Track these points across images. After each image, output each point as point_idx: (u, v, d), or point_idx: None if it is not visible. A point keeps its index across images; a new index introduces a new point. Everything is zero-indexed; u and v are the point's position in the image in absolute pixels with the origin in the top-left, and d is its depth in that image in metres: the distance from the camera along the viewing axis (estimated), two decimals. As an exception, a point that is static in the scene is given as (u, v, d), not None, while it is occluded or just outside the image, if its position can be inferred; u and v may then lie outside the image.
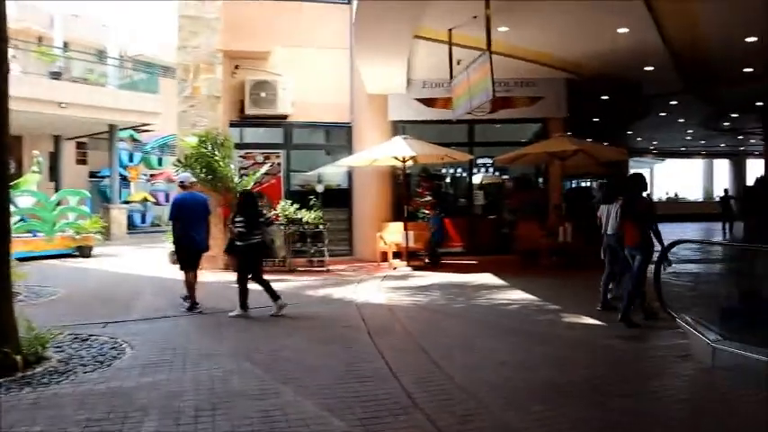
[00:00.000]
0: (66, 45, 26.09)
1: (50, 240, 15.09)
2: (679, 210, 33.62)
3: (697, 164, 42.17)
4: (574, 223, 13.35)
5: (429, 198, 14.26)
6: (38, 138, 23.22)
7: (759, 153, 35.86)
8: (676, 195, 39.89)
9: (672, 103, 19.63)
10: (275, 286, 9.84)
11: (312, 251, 12.30)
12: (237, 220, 7.85)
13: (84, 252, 15.26)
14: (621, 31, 11.29)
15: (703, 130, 27.17)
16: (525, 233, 13.68)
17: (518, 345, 6.44)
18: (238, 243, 7.90)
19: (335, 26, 14.30)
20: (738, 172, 38.28)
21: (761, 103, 19.97)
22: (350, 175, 14.46)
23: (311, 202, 12.57)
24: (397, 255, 12.97)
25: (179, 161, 12.44)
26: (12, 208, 14.42)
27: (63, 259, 14.96)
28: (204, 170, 12.11)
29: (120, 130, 24.08)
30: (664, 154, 37.31)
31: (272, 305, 7.85)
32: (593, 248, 8.86)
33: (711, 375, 5.39)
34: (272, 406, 4.39)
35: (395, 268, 12.49)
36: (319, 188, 14.04)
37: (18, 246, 11.92)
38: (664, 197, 38.86)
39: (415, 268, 12.39)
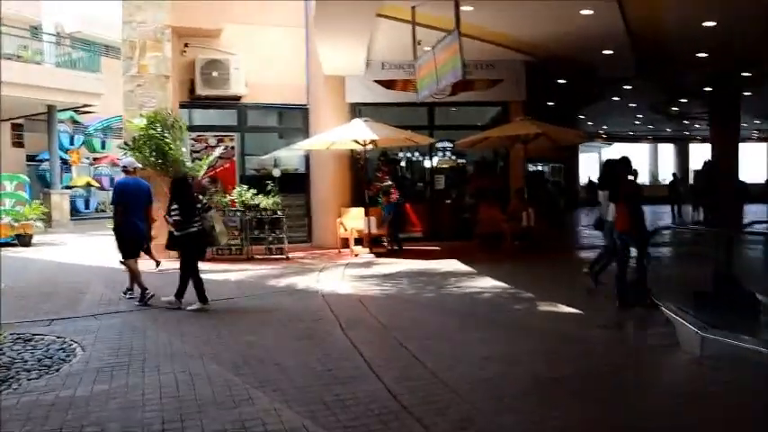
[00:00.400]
0: (-3, 21, 24.51)
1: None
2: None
3: (643, 148, 43.06)
4: (536, 208, 13.27)
5: (389, 182, 13.88)
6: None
7: (702, 138, 36.88)
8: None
9: (625, 87, 19.76)
10: (234, 276, 9.44)
11: (270, 238, 11.77)
12: (173, 208, 7.32)
13: (23, 241, 14.32)
14: (585, 12, 11.06)
15: (652, 114, 27.63)
16: (486, 217, 13.49)
17: (498, 337, 6.17)
18: (176, 233, 7.39)
19: (291, 3, 13.71)
20: (683, 156, 39.27)
21: (709, 89, 20.28)
22: (307, 158, 13.93)
23: (269, 188, 12.02)
24: (358, 241, 12.59)
25: (126, 144, 11.69)
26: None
27: (0, 248, 14.01)
28: (154, 153, 11.40)
29: (60, 111, 22.81)
30: (612, 138, 37.87)
31: (233, 297, 7.37)
32: (556, 232, 8.74)
33: (702, 366, 5.22)
34: (248, 415, 3.94)
35: (357, 255, 12.10)
36: (275, 173, 13.47)
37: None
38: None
39: (378, 255, 12.04)
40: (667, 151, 41.62)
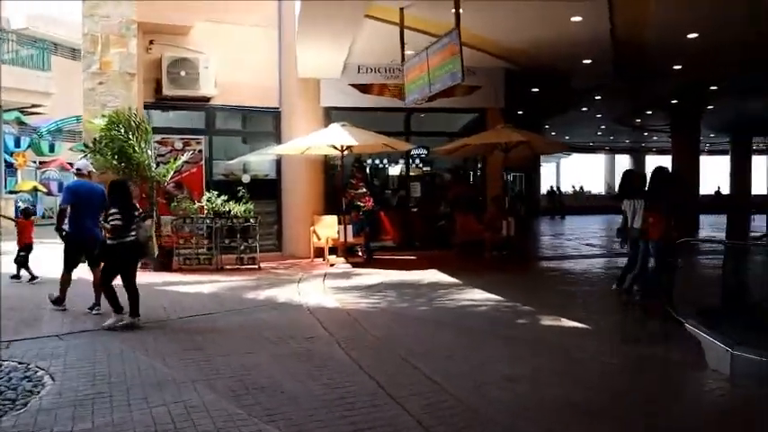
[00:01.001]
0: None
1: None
2: (585, 203, 34.67)
3: (599, 159, 43.71)
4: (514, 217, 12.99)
5: (363, 190, 13.37)
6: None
7: (658, 149, 37.65)
8: (582, 188, 40.99)
9: (596, 98, 19.79)
10: (207, 288, 8.81)
11: (242, 247, 11.08)
12: (112, 212, 6.61)
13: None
14: (575, 19, 10.80)
15: (615, 125, 27.89)
16: (464, 226, 13.12)
17: (511, 354, 5.70)
18: (110, 242, 6.68)
19: (264, 3, 13.11)
20: (638, 166, 39.91)
21: (675, 101, 20.49)
22: (278, 164, 13.27)
23: (240, 194, 11.34)
24: (332, 250, 12.01)
25: (86, 146, 10.86)
26: None
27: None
28: (117, 156, 10.61)
29: (6, 111, 21.53)
30: (572, 148, 38.25)
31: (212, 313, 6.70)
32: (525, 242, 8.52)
33: (736, 387, 4.86)
34: (266, 459, 3.37)
35: (332, 265, 11.53)
36: (245, 178, 12.78)
37: None
38: (570, 190, 39.85)
39: (355, 265, 11.49)
40: (623, 162, 42.31)
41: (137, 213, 6.89)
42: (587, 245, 16.19)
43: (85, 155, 10.82)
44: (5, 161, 21.67)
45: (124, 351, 5.63)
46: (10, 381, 4.77)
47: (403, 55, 10.27)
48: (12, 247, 10.17)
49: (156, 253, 10.59)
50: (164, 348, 5.78)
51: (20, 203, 19.45)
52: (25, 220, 10.57)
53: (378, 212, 13.34)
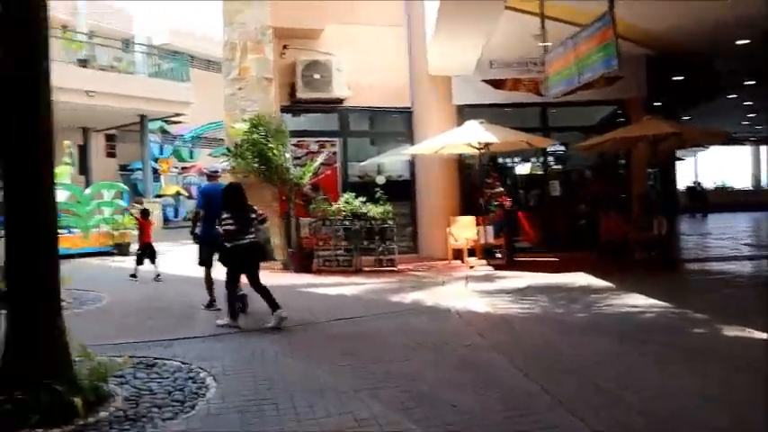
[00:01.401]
0: (91, 33, 24.98)
1: (86, 237, 13.97)
2: (727, 199, 32.00)
3: (742, 151, 40.24)
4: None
5: (500, 189, 12.86)
6: (66, 130, 22.11)
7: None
8: (724, 184, 37.88)
9: (747, 83, 18.03)
10: (349, 290, 8.69)
11: (380, 249, 10.94)
12: (224, 216, 6.66)
13: (122, 250, 14.11)
14: (734, -6, 9.76)
15: (769, 113, 25.44)
16: (607, 226, 12.26)
17: (698, 369, 5.05)
18: (228, 244, 6.69)
19: (391, 1, 12.97)
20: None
21: None
22: (412, 164, 13.07)
23: (377, 195, 11.22)
24: (469, 252, 11.63)
25: (228, 150, 11.19)
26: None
27: (101, 257, 13.84)
28: (257, 159, 10.83)
29: (151, 120, 22.97)
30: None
31: (360, 317, 6.53)
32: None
33: None
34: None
35: (471, 267, 11.13)
36: (379, 179, 12.67)
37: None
38: (711, 186, 36.96)
39: (496, 267, 11.03)
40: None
41: (254, 216, 6.86)
42: (746, 245, 14.73)
43: (227, 159, 11.17)
44: (151, 167, 23.11)
45: (279, 354, 5.56)
46: (176, 381, 4.79)
47: (544, 47, 9.73)
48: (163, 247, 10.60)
49: (285, 254, 10.79)
50: (317, 353, 5.64)
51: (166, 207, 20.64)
52: (144, 220, 11.03)
53: (516, 212, 12.77)
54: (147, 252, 10.56)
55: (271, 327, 6.50)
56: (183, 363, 5.25)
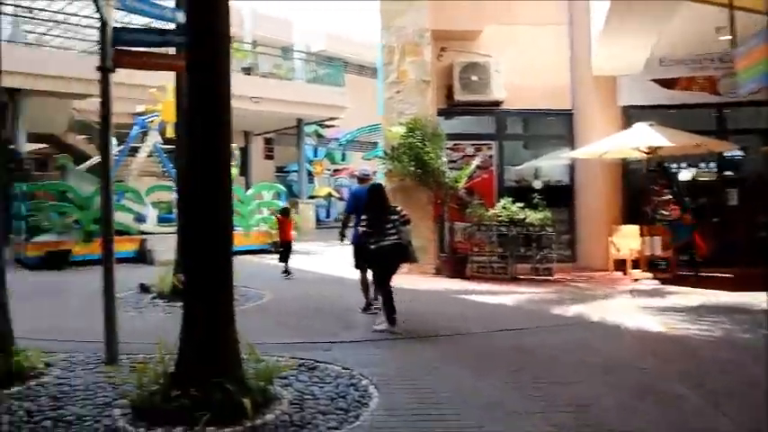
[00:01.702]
0: (254, 43, 26.45)
1: (248, 235, 14.67)
2: None
3: None
4: None
5: (669, 196, 11.81)
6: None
7: None
8: None
9: None
10: (506, 299, 8.34)
11: (537, 257, 10.44)
12: (363, 218, 6.79)
13: (277, 248, 14.61)
14: None
15: None
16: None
17: None
18: (371, 246, 6.69)
19: (552, 1, 12.39)
20: None
21: None
22: (571, 168, 12.39)
23: (535, 200, 10.72)
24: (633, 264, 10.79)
25: (385, 153, 11.21)
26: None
27: (259, 255, 14.46)
28: (413, 163, 10.74)
29: (306, 124, 23.85)
30: None
31: (523, 328, 6.14)
32: None
33: None
34: None
35: (636, 280, 10.30)
36: (536, 184, 12.14)
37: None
38: None
39: (663, 281, 10.13)
40: None
41: (396, 217, 6.76)
42: None
43: (383, 162, 11.19)
44: (306, 170, 24.00)
45: (440, 364, 5.33)
46: (338, 387, 4.71)
47: (731, 40, 8.75)
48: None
49: (437, 259, 10.56)
50: (480, 365, 5.35)
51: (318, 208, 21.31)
52: (283, 218, 11.27)
53: (695, 225, 11.65)
54: (285, 249, 10.95)
55: (378, 330, 6.55)
56: (344, 368, 5.18)
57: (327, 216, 26.64)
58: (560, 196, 12.23)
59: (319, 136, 27.36)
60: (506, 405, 4.27)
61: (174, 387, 4.10)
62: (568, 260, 12.02)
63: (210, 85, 4.35)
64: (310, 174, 25.81)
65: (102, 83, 5.46)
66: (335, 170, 28.84)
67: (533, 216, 10.46)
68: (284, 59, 26.07)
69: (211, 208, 4.32)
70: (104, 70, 5.44)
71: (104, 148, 5.57)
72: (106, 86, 5.46)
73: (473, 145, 12.22)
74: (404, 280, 10.28)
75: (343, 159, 28.77)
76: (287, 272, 10.96)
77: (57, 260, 12.54)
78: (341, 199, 27.29)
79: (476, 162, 11.55)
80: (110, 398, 4.51)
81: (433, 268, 11.03)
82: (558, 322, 7.16)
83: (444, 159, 11.10)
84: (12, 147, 15.28)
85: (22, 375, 4.92)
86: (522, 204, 10.69)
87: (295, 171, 23.88)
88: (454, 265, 10.78)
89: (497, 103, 12.03)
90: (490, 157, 12.20)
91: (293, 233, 14.98)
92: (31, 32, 20.39)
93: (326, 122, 25.53)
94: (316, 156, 26.95)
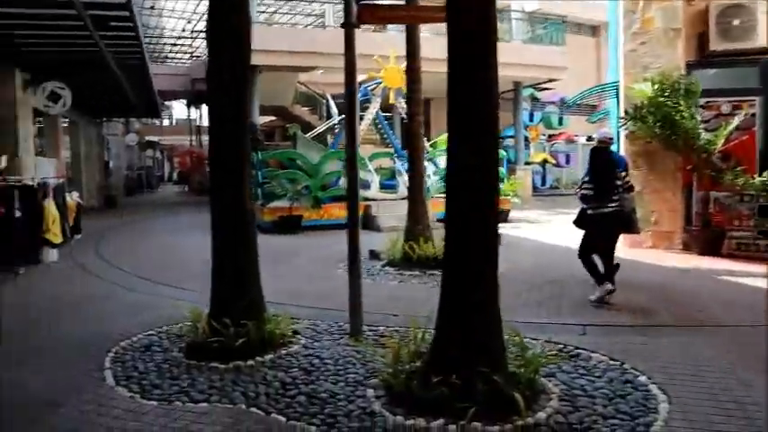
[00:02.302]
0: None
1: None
2: None
3: None
4: None
5: None
6: (442, 99, 23.30)
7: None
8: None
9: None
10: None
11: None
12: (583, 180, 6.53)
13: (501, 216, 14.09)
14: None
15: None
16: None
17: None
18: (589, 211, 6.42)
19: None
20: None
21: None
22: None
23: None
24: None
25: (626, 113, 10.06)
26: (431, 168, 14.00)
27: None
28: (660, 124, 9.49)
29: (524, 87, 22.83)
30: None
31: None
32: None
33: None
34: None
35: None
36: (810, 148, 10.18)
37: (437, 206, 11.22)
38: None
39: None
40: None
41: (619, 183, 6.37)
42: None
43: (624, 124, 10.09)
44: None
45: (725, 364, 4.42)
46: (611, 383, 4.06)
47: None
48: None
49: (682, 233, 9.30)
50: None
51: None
52: None
53: None
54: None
55: (593, 299, 6.26)
56: (612, 359, 4.51)
57: (543, 183, 25.51)
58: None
59: (534, 99, 26.14)
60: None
61: (432, 371, 3.74)
62: None
63: (473, 55, 3.86)
64: (526, 139, 24.81)
65: (347, 39, 5.27)
66: (550, 135, 27.45)
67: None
68: (499, 21, 25.10)
69: (481, 172, 3.86)
70: (348, 26, 5.26)
71: (350, 108, 5.39)
72: (350, 43, 5.26)
73: (730, 102, 10.50)
74: (647, 255, 9.27)
75: (560, 124, 27.27)
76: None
77: (289, 225, 13.15)
78: (557, 165, 26.00)
79: (735, 122, 9.92)
80: (360, 375, 4.32)
81: (679, 243, 9.77)
82: None
83: (699, 119, 9.68)
84: (251, 120, 16.37)
85: (273, 343, 4.92)
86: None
87: (510, 136, 23.03)
88: (707, 240, 9.41)
89: (764, 52, 10.21)
90: (752, 115, 10.42)
91: (514, 199, 14.45)
92: (262, 12, 21.75)
93: (542, 85, 24.25)
94: (531, 120, 25.81)
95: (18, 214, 9.01)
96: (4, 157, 9.60)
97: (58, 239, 9.84)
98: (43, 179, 10.42)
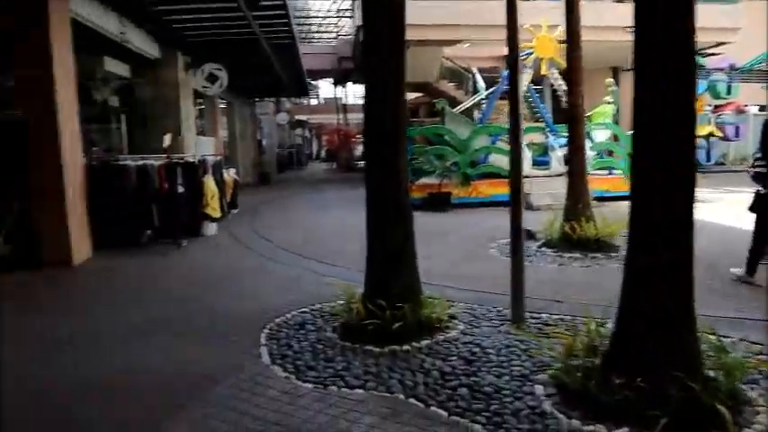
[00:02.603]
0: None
1: (627, 180, 13.33)
2: None
3: None
4: None
5: None
6: (595, 71, 21.90)
7: None
8: None
9: None
10: None
11: None
12: (756, 157, 6.03)
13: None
14: None
15: None
16: None
17: None
18: (761, 191, 5.89)
19: None
20: None
21: None
22: None
23: None
24: None
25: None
26: (587, 143, 13.14)
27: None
28: None
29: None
30: None
31: None
32: None
33: None
34: None
35: None
36: None
37: (593, 183, 10.43)
38: None
39: None
40: None
41: None
42: None
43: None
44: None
45: None
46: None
47: None
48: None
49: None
50: None
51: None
52: None
53: None
54: None
55: (734, 272, 6.19)
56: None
57: (708, 159, 23.28)
58: None
59: (699, 66, 23.82)
60: None
61: (612, 372, 3.31)
62: None
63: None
64: (690, 110, 22.75)
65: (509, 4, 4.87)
66: (716, 106, 24.92)
67: None
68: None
69: (679, 141, 3.36)
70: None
71: (513, 75, 5.00)
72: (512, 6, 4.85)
73: None
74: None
75: (728, 93, 24.68)
76: None
77: (438, 202, 12.89)
78: (724, 138, 23.68)
79: None
80: (526, 369, 3.96)
81: None
82: None
83: None
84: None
85: (430, 327, 4.69)
86: None
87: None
88: None
89: None
90: None
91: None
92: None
93: (709, 49, 22.02)
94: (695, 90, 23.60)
95: (181, 190, 9.48)
96: (168, 136, 10.15)
97: (216, 214, 10.30)
98: (203, 156, 10.93)
